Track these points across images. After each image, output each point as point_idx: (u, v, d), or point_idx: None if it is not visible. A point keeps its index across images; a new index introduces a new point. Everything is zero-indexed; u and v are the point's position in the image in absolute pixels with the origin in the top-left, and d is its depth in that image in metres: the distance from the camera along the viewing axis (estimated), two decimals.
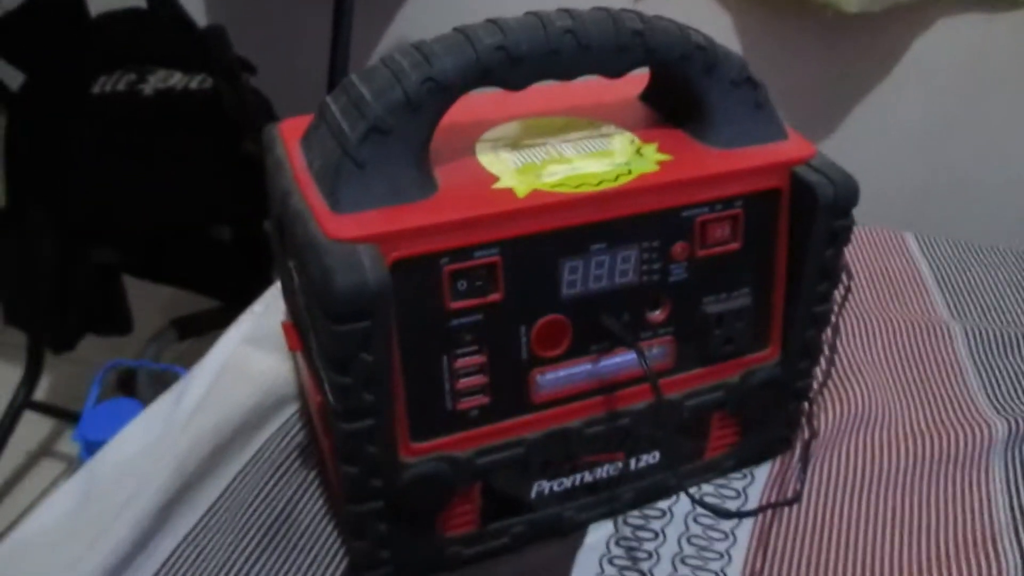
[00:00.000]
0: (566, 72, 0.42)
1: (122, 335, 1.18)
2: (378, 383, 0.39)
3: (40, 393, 1.28)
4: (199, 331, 1.30)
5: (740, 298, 0.48)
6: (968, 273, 0.76)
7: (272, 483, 0.54)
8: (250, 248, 1.13)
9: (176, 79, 1.02)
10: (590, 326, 0.44)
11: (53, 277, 1.07)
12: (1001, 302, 0.72)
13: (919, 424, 0.58)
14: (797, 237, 0.47)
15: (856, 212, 0.46)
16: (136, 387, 1.21)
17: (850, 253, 0.77)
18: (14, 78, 1.05)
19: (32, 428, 1.30)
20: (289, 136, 0.46)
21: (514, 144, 0.45)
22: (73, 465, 1.23)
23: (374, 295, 0.37)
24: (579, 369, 0.45)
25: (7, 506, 1.23)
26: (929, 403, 0.60)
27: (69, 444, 1.33)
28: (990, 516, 0.51)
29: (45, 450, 1.33)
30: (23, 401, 1.23)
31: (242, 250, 1.14)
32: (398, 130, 0.39)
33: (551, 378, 0.45)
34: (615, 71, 0.43)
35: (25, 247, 1.07)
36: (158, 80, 1.02)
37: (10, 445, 1.23)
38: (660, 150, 0.45)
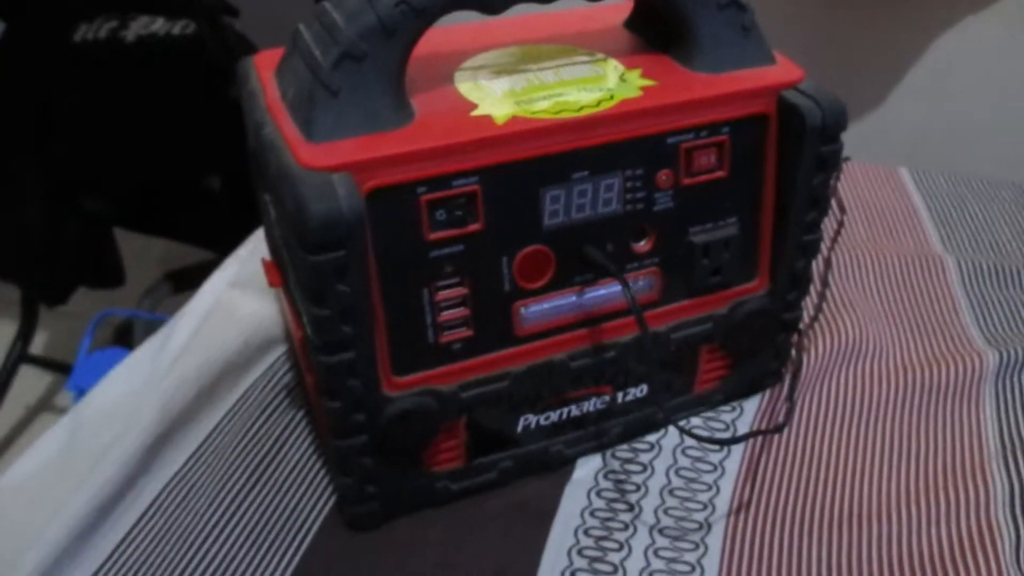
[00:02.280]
0: None
1: (114, 287, 1.17)
2: (356, 315, 0.39)
3: (36, 347, 1.28)
4: (194, 283, 1.29)
5: (727, 227, 0.47)
6: (962, 206, 0.75)
7: (260, 423, 0.54)
8: (241, 197, 1.12)
9: (158, 25, 1.00)
10: (574, 257, 0.44)
11: (42, 229, 1.07)
12: (995, 235, 0.71)
13: (911, 356, 0.58)
14: (785, 164, 0.46)
15: (852, 148, 0.45)
16: (132, 338, 1.22)
17: (844, 188, 0.76)
18: None
19: (29, 382, 1.30)
20: (263, 68, 0.45)
21: (494, 72, 0.44)
22: None
23: (348, 224, 0.36)
24: (563, 301, 0.45)
25: (7, 459, 1.24)
26: (921, 335, 0.60)
27: (66, 397, 1.33)
28: (980, 444, 0.51)
29: (43, 403, 1.34)
30: (19, 355, 1.23)
31: (233, 199, 1.13)
32: (372, 56, 0.38)
33: (535, 310, 0.44)
34: None
35: (12, 200, 1.06)
36: (140, 26, 1.00)
37: (8, 399, 1.23)
38: (644, 76, 0.44)
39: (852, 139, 0.54)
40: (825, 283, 0.64)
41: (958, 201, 0.76)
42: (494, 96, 0.42)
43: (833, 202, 0.74)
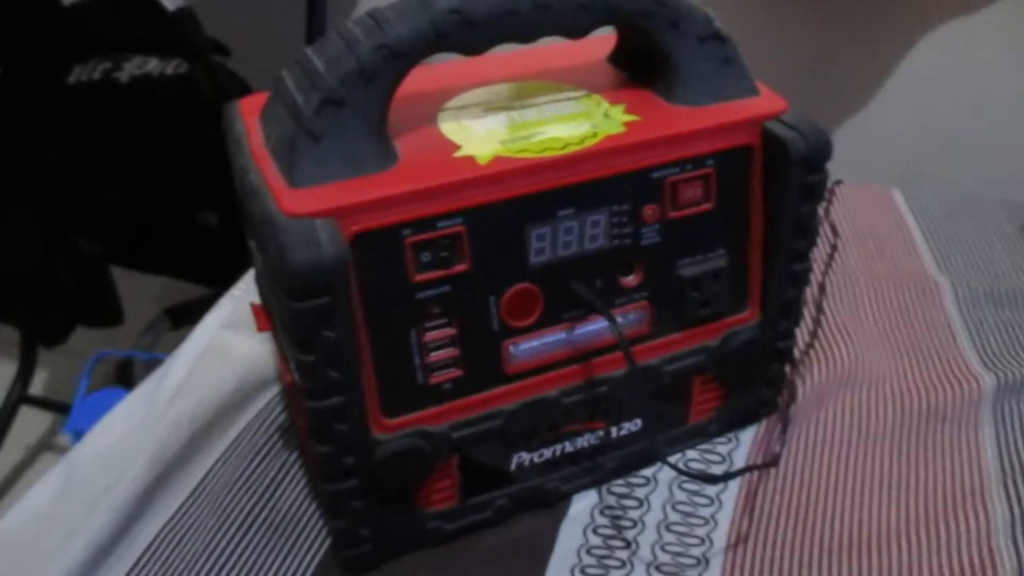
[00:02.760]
0: (526, 33, 0.41)
1: (112, 326, 1.17)
2: (343, 360, 0.38)
3: (36, 387, 1.28)
4: (193, 320, 1.29)
5: (716, 259, 0.47)
6: (955, 227, 0.75)
7: (253, 466, 0.53)
8: (238, 233, 1.12)
9: (152, 65, 1.00)
10: (562, 294, 0.43)
11: (39, 270, 1.07)
12: (989, 256, 0.71)
13: (907, 381, 0.57)
14: (771, 194, 0.46)
15: (843, 170, 0.45)
16: (133, 377, 1.21)
17: (837, 211, 0.76)
18: None
19: (29, 422, 1.30)
20: (248, 113, 0.45)
21: (477, 111, 0.44)
22: None
23: (331, 271, 0.36)
24: (553, 338, 0.44)
25: (7, 501, 1.24)
26: (917, 359, 0.60)
27: (67, 437, 1.33)
28: (979, 470, 0.51)
29: (43, 444, 1.33)
30: (19, 396, 1.23)
31: (230, 235, 1.13)
32: (353, 101, 0.38)
33: (524, 348, 0.44)
34: (576, 31, 0.42)
35: (8, 241, 1.06)
36: (134, 67, 1.00)
37: (8, 440, 1.23)
38: (627, 111, 0.44)
39: (843, 160, 0.54)
40: (820, 309, 0.64)
41: (951, 222, 0.76)
42: (477, 136, 0.42)
43: (826, 226, 0.74)
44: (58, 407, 1.28)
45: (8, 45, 1.00)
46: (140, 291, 1.29)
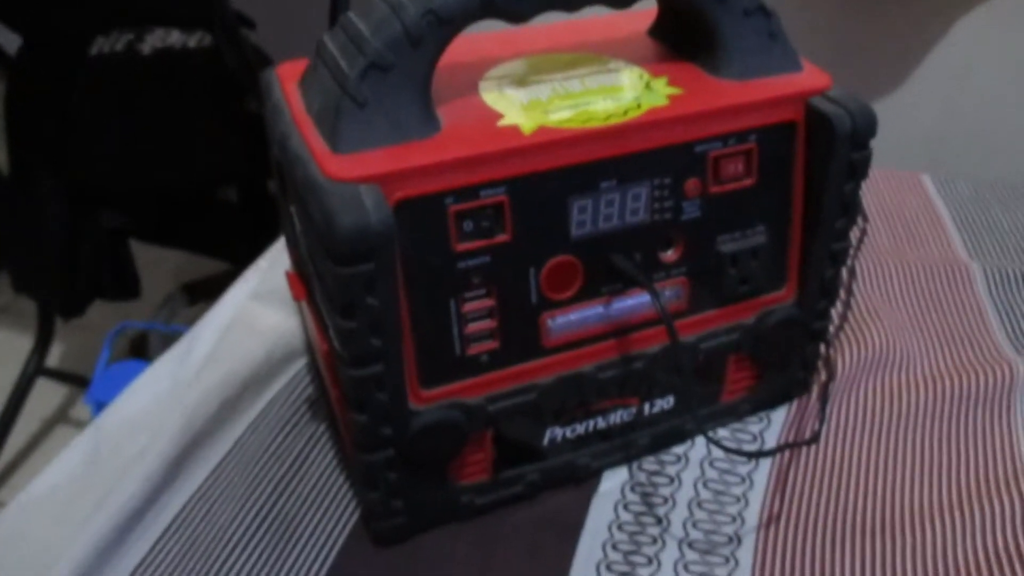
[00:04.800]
0: (571, 1, 0.40)
1: (131, 300, 1.17)
2: (385, 328, 0.38)
3: (52, 360, 1.28)
4: (210, 295, 1.29)
5: (755, 236, 0.46)
6: (986, 212, 0.74)
7: (282, 437, 0.53)
8: (258, 208, 1.12)
9: (175, 37, 1.00)
10: (601, 267, 0.43)
11: (61, 243, 1.07)
12: (1020, 241, 0.70)
13: (939, 365, 0.57)
14: (814, 171, 0.45)
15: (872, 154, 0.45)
16: (148, 350, 1.22)
17: (866, 195, 0.76)
18: (12, 43, 1.03)
19: (46, 395, 1.30)
20: (287, 79, 0.44)
21: (519, 81, 0.44)
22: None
23: (377, 236, 0.36)
24: (591, 312, 0.44)
25: (24, 472, 1.24)
26: (949, 344, 0.59)
27: (83, 409, 1.33)
28: (1012, 455, 0.50)
29: (60, 416, 1.34)
30: (36, 368, 1.23)
31: (250, 211, 1.13)
32: (398, 66, 0.38)
33: (562, 321, 0.44)
34: (622, 0, 0.41)
35: (32, 214, 1.06)
36: (156, 39, 1.00)
37: (25, 412, 1.23)
38: (670, 83, 0.44)
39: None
40: (850, 292, 0.63)
41: (981, 207, 0.75)
42: (520, 105, 0.41)
43: None
44: (74, 379, 1.28)
45: (30, 15, 1.00)
46: (156, 264, 1.30)
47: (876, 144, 0.45)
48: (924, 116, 1.05)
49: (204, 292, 1.30)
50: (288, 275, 0.46)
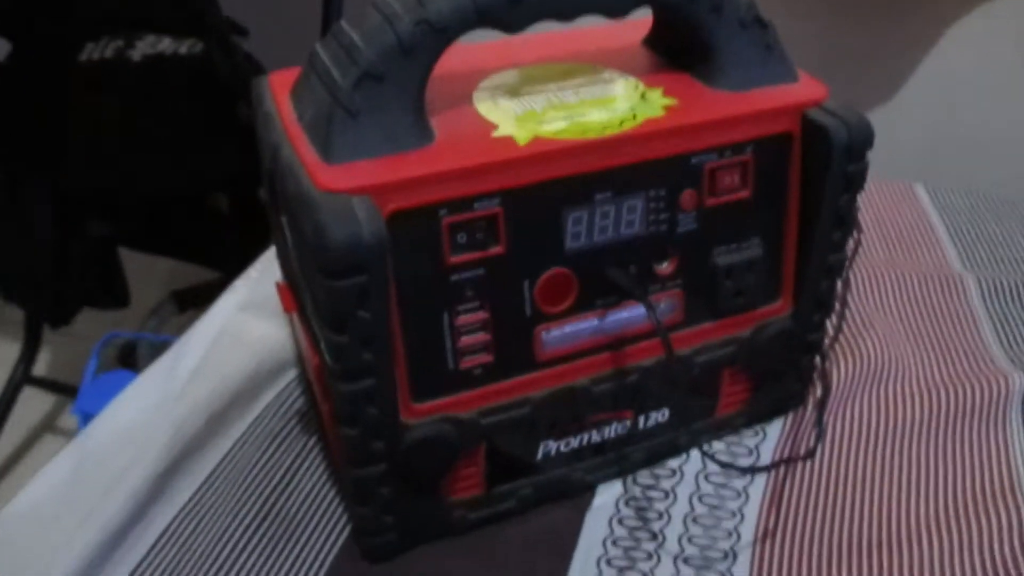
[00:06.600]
0: (566, 11, 0.40)
1: (119, 308, 1.16)
2: (377, 341, 0.38)
3: (40, 369, 1.27)
4: (199, 303, 1.29)
5: (751, 248, 0.46)
6: (980, 224, 0.74)
7: (271, 451, 0.52)
8: (248, 217, 1.11)
9: (165, 44, 0.99)
10: (596, 280, 0.43)
11: (49, 250, 1.06)
12: (1014, 252, 0.70)
13: (934, 377, 0.57)
14: (810, 183, 0.45)
15: None
16: (136, 360, 1.20)
17: (860, 206, 0.75)
18: (1, 49, 1.03)
19: (32, 404, 1.29)
20: (278, 88, 0.44)
21: (514, 92, 0.43)
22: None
23: (370, 249, 0.35)
24: (585, 325, 0.44)
25: (9, 482, 1.23)
26: (944, 356, 0.59)
27: (70, 419, 1.32)
28: (1008, 467, 0.50)
29: (46, 425, 1.32)
30: (22, 377, 1.22)
31: (240, 219, 1.13)
32: (392, 76, 0.37)
33: (556, 334, 0.43)
34: (617, 10, 0.41)
35: (20, 221, 1.05)
36: (146, 46, 0.99)
37: (11, 421, 1.22)
38: (666, 94, 0.43)
39: None
40: (844, 303, 0.63)
41: (975, 218, 0.75)
42: (514, 116, 0.41)
43: None
44: (61, 388, 1.27)
45: (19, 20, 0.99)
46: (144, 273, 1.28)
47: (869, 154, 0.45)
48: (916, 126, 1.05)
49: (194, 300, 1.29)
50: (279, 286, 0.46)
